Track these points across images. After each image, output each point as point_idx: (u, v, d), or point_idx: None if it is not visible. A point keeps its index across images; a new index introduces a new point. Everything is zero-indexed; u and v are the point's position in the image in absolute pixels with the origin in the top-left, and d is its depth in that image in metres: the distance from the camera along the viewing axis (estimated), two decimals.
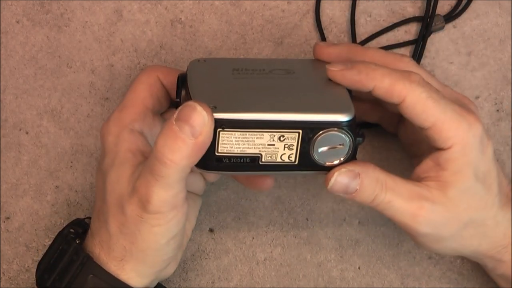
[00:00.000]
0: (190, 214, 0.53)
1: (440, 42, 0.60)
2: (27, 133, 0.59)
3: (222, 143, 0.44)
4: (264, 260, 0.58)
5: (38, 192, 0.58)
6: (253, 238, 0.59)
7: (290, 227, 0.59)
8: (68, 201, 0.58)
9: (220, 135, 0.44)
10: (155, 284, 0.51)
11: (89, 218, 0.51)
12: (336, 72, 0.47)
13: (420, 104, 0.46)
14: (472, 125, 0.47)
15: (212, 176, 0.54)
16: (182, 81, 0.48)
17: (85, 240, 0.50)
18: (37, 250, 0.58)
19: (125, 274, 0.47)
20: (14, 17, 0.59)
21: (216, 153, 0.45)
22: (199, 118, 0.42)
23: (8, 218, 0.58)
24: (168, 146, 0.42)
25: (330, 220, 0.59)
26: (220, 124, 0.44)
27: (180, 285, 0.58)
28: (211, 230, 0.58)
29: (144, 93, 0.50)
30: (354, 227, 0.59)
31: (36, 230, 0.58)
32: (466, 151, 0.47)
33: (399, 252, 0.59)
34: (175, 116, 0.43)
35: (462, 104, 0.49)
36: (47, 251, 0.50)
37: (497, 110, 0.59)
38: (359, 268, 0.58)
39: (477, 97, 0.59)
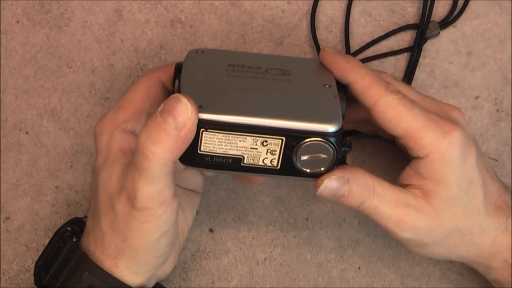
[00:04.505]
0: (187, 211, 0.53)
1: (440, 42, 0.60)
2: (27, 133, 0.59)
3: (205, 143, 0.44)
4: (264, 260, 0.58)
5: (38, 192, 0.58)
6: (253, 238, 0.59)
7: (290, 227, 0.59)
8: (68, 201, 0.58)
9: (203, 135, 0.44)
10: (153, 283, 0.51)
11: (87, 217, 0.52)
12: (329, 53, 0.49)
13: (391, 109, 0.47)
14: (448, 133, 0.47)
15: (209, 171, 0.54)
16: (178, 71, 0.48)
17: (81, 238, 0.50)
18: (37, 250, 0.58)
19: (119, 271, 0.48)
20: (14, 17, 0.59)
21: (199, 151, 0.45)
22: (184, 110, 0.42)
23: (8, 218, 0.58)
24: (151, 138, 0.43)
25: (330, 220, 0.59)
26: (204, 125, 0.44)
27: (180, 285, 0.58)
28: (211, 230, 0.59)
29: (142, 94, 0.50)
30: (354, 227, 0.59)
31: (36, 230, 0.58)
32: (446, 161, 0.47)
33: (399, 252, 0.59)
34: (160, 109, 0.43)
35: (444, 112, 0.49)
36: (44, 249, 0.51)
37: (497, 110, 0.59)
38: (359, 268, 0.58)
39: (477, 97, 0.59)
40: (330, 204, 0.59)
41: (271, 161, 0.45)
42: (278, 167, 0.46)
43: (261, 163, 0.45)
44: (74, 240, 0.50)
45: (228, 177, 0.58)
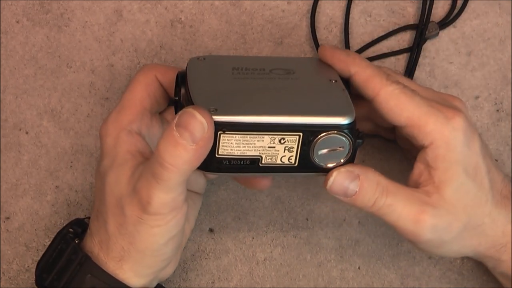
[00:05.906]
0: (190, 214, 0.53)
1: (440, 42, 0.60)
2: (27, 133, 0.59)
3: (223, 146, 0.44)
4: (264, 260, 0.58)
5: (38, 192, 0.58)
6: (253, 238, 0.59)
7: (290, 227, 0.59)
8: (68, 201, 0.58)
9: (221, 137, 0.44)
10: (154, 284, 0.51)
11: (89, 218, 0.52)
12: (327, 48, 0.49)
13: (393, 98, 0.47)
14: (451, 119, 0.48)
15: (213, 174, 0.54)
16: (182, 79, 0.48)
17: (84, 239, 0.50)
18: (37, 250, 0.58)
19: (123, 273, 0.47)
20: (14, 17, 0.59)
21: (217, 155, 0.45)
22: (199, 125, 0.42)
23: (8, 218, 0.58)
24: (169, 152, 0.43)
25: (330, 220, 0.59)
26: (221, 127, 0.44)
27: (180, 285, 0.58)
28: (211, 230, 0.58)
29: (142, 93, 0.50)
30: (354, 227, 0.59)
31: (36, 230, 0.58)
32: (451, 147, 0.47)
33: (399, 252, 0.59)
34: (175, 121, 0.43)
35: (444, 101, 0.49)
36: (46, 250, 0.50)
37: (497, 110, 0.59)
38: (359, 268, 0.58)
39: (477, 97, 0.59)
40: (330, 204, 0.59)
41: (289, 159, 0.46)
42: (296, 164, 0.46)
43: (279, 161, 0.46)
44: (76, 241, 0.49)
45: (228, 177, 0.58)
